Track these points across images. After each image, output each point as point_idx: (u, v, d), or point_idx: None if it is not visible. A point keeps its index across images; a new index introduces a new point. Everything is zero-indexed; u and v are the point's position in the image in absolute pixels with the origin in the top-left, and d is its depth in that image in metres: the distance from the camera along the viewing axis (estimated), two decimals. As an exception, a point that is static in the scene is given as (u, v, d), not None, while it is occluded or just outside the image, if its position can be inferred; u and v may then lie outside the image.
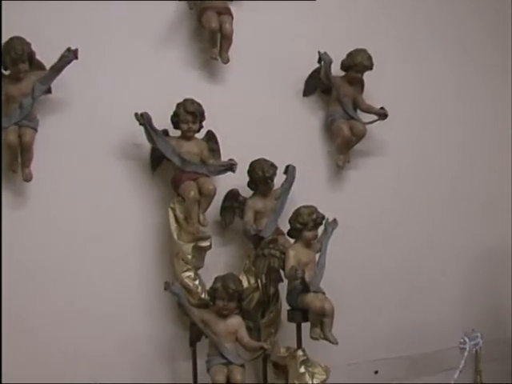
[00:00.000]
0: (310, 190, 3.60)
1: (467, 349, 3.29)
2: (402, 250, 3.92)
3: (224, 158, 3.40)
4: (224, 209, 3.48)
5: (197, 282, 3.32)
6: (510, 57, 4.29)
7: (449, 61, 4.14)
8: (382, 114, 3.74)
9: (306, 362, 3.30)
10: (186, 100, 3.27)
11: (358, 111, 3.75)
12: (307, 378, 3.27)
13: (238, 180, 3.44)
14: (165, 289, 3.13)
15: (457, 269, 4.12)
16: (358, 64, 3.64)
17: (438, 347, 4.00)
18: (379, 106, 3.74)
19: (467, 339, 3.31)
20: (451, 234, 4.09)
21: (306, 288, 3.24)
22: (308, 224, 3.30)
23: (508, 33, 4.26)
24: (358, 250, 3.78)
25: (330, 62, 3.60)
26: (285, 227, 3.43)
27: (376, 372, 3.84)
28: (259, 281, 3.42)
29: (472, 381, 3.51)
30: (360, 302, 3.75)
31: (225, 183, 3.42)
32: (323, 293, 3.31)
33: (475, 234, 4.16)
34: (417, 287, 3.97)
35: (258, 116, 3.58)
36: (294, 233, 3.36)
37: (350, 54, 3.66)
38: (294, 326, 3.37)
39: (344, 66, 3.69)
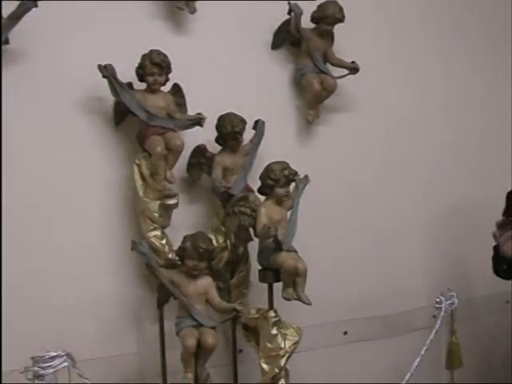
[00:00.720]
0: (279, 145, 3.48)
1: (443, 308, 3.23)
2: (372, 207, 3.85)
3: (190, 112, 3.26)
4: (191, 165, 3.34)
5: (164, 242, 3.20)
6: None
7: (425, 15, 4.05)
8: (353, 69, 3.63)
9: (277, 323, 3.21)
10: (151, 51, 3.12)
11: (328, 65, 3.63)
12: (279, 339, 3.18)
13: (204, 135, 3.31)
14: (132, 248, 3.00)
15: (426, 227, 4.08)
16: (329, 16, 3.51)
17: (408, 307, 3.97)
18: (350, 60, 3.62)
19: (443, 299, 3.25)
20: (421, 191, 4.04)
21: (278, 247, 3.14)
22: (280, 180, 3.19)
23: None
24: (326, 208, 3.69)
25: (300, 14, 3.47)
26: (253, 184, 3.31)
27: (345, 332, 3.78)
28: (228, 240, 3.30)
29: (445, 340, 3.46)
30: (329, 262, 3.66)
31: (191, 138, 3.27)
32: (296, 252, 3.20)
33: (445, 190, 4.11)
34: (386, 246, 3.92)
35: (225, 69, 3.45)
36: (265, 189, 3.24)
37: (320, 6, 3.53)
38: (263, 286, 3.27)
39: (314, 18, 3.55)
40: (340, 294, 3.73)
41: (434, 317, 3.75)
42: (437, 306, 3.37)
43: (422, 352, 3.07)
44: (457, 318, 3.49)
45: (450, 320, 3.45)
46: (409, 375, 3.33)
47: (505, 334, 4.08)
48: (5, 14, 2.88)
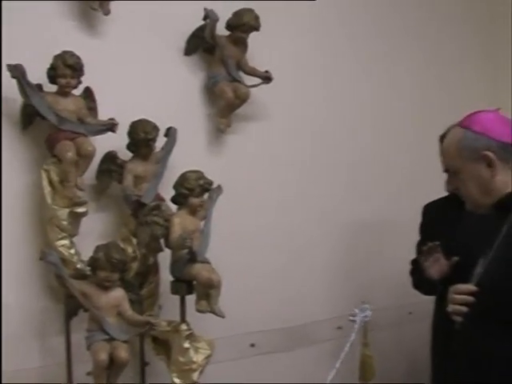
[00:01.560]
0: (190, 154, 3.41)
1: (358, 321, 3.23)
2: (282, 219, 3.82)
3: (100, 117, 3.17)
4: (101, 172, 3.23)
5: (72, 251, 3.08)
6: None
7: (339, 26, 4.07)
8: (267, 78, 3.61)
9: (190, 336, 3.14)
10: (64, 52, 3.01)
11: (242, 73, 3.59)
12: (191, 353, 3.13)
13: (114, 141, 3.20)
14: (40, 258, 2.89)
15: (333, 241, 4.08)
16: (244, 24, 3.48)
17: (314, 318, 3.95)
18: (264, 70, 3.60)
19: (357, 311, 3.25)
20: (331, 204, 4.03)
21: (193, 258, 3.07)
22: (195, 190, 3.13)
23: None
24: (237, 219, 3.63)
25: (216, 20, 3.42)
26: (164, 193, 3.25)
27: (252, 345, 3.73)
28: (138, 250, 3.20)
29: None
30: (237, 273, 3.57)
31: (101, 145, 3.16)
32: (209, 263, 3.14)
33: (351, 203, 4.12)
34: (294, 258, 3.89)
35: (138, 74, 3.36)
36: (179, 199, 3.17)
37: (236, 13, 3.48)
38: (174, 298, 3.19)
39: (229, 26, 3.51)
40: (248, 305, 3.68)
41: (339, 328, 3.77)
42: (351, 318, 3.35)
43: (337, 365, 3.05)
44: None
45: (362, 332, 3.44)
46: (324, 389, 3.30)
47: (407, 344, 4.13)
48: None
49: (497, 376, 2.27)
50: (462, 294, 2.36)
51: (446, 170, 2.50)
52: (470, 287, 2.36)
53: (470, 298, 2.32)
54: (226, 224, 3.46)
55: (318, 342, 3.90)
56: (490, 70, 4.76)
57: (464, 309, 2.33)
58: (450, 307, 2.40)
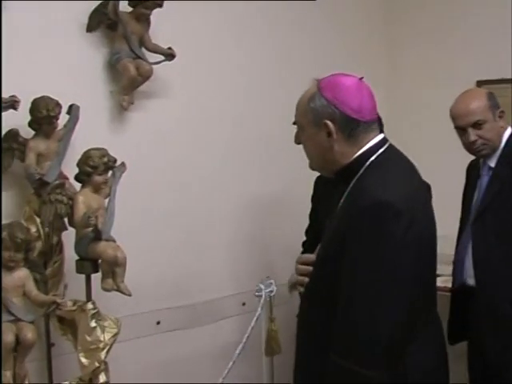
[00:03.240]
0: (93, 132, 3.37)
1: (263, 296, 3.27)
2: (184, 196, 3.82)
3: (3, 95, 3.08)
4: (2, 150, 3.15)
5: (-28, 231, 2.99)
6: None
7: (240, 8, 4.06)
8: (170, 55, 3.59)
9: (96, 315, 3.12)
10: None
11: (144, 50, 3.56)
12: (99, 332, 3.11)
13: (15, 119, 3.13)
14: None
15: (233, 215, 4.10)
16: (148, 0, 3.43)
17: (218, 295, 3.96)
18: (167, 46, 3.58)
19: (262, 286, 3.29)
20: (230, 179, 4.05)
21: (97, 236, 3.05)
22: (99, 167, 3.11)
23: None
24: (141, 196, 3.62)
25: (119, -4, 3.37)
26: (67, 171, 3.21)
27: (158, 322, 3.73)
28: (41, 229, 3.15)
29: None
30: (141, 251, 3.56)
31: (3, 123, 3.11)
32: (114, 241, 3.12)
33: (252, 178, 4.15)
34: (196, 235, 3.90)
35: (38, 50, 3.28)
36: (83, 177, 3.14)
37: (140, -11, 3.44)
38: (79, 277, 3.16)
39: (132, 2, 3.47)
40: (152, 283, 3.67)
41: (244, 304, 3.81)
42: (257, 293, 3.40)
43: (244, 339, 3.09)
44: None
45: (267, 307, 3.48)
46: (231, 363, 3.34)
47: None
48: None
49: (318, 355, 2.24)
50: (304, 263, 2.38)
51: (294, 123, 2.42)
52: (310, 256, 2.37)
53: (310, 268, 2.32)
54: (129, 201, 3.44)
55: (223, 318, 3.93)
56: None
57: (305, 279, 2.33)
58: (294, 277, 2.42)
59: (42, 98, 3.12)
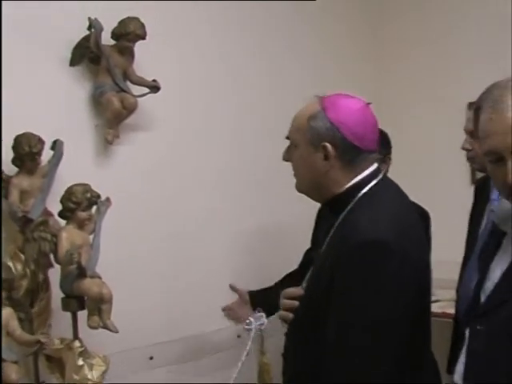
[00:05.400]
0: (78, 167, 3.34)
1: (253, 329, 3.20)
2: (175, 228, 3.76)
3: (-16, 132, 3.06)
4: (-17, 189, 3.12)
5: (-44, 272, 2.96)
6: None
7: (225, 38, 4.06)
8: (154, 87, 3.56)
9: (83, 353, 3.06)
10: None
11: (129, 83, 3.54)
12: (86, 370, 3.04)
13: (-1, 156, 3.10)
14: None
15: (224, 247, 4.04)
16: (130, 33, 3.42)
17: (211, 328, 3.91)
18: (151, 79, 3.56)
19: (252, 320, 3.22)
20: (226, 210, 4.01)
21: (82, 273, 3.00)
22: (82, 203, 3.08)
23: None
24: (127, 230, 3.57)
25: (101, 30, 3.36)
26: (52, 207, 3.17)
27: (151, 358, 3.67)
28: (27, 267, 3.11)
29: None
30: (130, 286, 3.53)
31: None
32: (100, 277, 3.08)
33: (244, 211, 4.10)
34: (188, 267, 3.84)
35: (20, 85, 3.24)
36: (67, 213, 3.10)
37: (121, 22, 3.43)
38: (66, 314, 3.11)
39: (115, 35, 3.45)
40: (144, 318, 3.62)
41: (239, 337, 3.75)
42: (246, 327, 3.33)
43: (235, 375, 3.01)
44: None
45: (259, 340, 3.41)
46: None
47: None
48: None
49: None
50: (289, 297, 2.29)
51: (287, 138, 2.31)
52: (297, 290, 2.28)
53: (296, 303, 2.24)
54: (116, 236, 3.39)
55: (217, 352, 3.87)
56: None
57: (290, 315, 2.26)
58: (279, 313, 2.33)
59: (24, 134, 3.10)
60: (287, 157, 2.28)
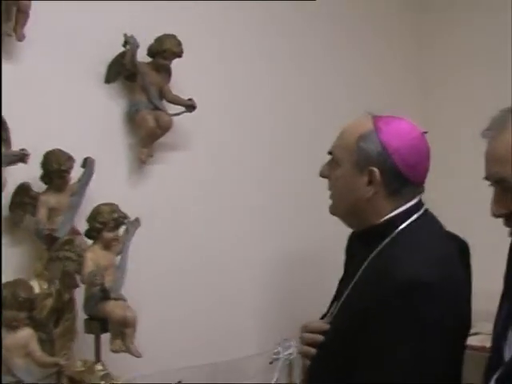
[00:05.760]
0: (110, 186, 3.28)
1: (281, 359, 3.11)
2: (207, 251, 3.68)
3: (15, 147, 3.00)
4: (14, 205, 3.09)
5: (-19, 289, 2.91)
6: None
7: (264, 53, 3.95)
8: (190, 106, 3.50)
9: (105, 376, 3.00)
10: (-32, 81, 2.88)
11: (165, 102, 3.48)
12: (108, 394, 2.97)
13: (29, 173, 3.06)
14: None
15: (259, 273, 3.93)
16: (166, 50, 3.36)
17: (241, 354, 3.80)
18: (187, 97, 3.50)
19: (280, 349, 3.13)
20: (258, 234, 3.91)
21: (105, 295, 2.94)
22: (108, 223, 3.02)
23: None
24: (158, 252, 3.49)
25: (137, 47, 3.30)
26: (82, 227, 3.12)
27: (179, 382, 3.58)
28: (53, 286, 3.06)
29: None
30: (158, 309, 3.46)
31: (15, 176, 3.03)
32: (125, 300, 3.01)
33: (280, 232, 3.99)
34: (219, 292, 3.75)
35: (54, 102, 3.21)
36: (93, 233, 3.05)
37: (158, 39, 3.38)
38: (91, 336, 3.06)
39: (151, 52, 3.40)
40: (173, 340, 3.54)
41: (271, 363, 3.65)
42: (274, 356, 3.25)
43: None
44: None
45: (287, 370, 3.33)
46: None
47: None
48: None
49: None
50: (312, 331, 2.14)
51: (330, 152, 2.16)
52: (321, 325, 2.14)
53: (320, 337, 2.09)
54: (147, 258, 3.34)
55: (248, 378, 3.76)
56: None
57: (312, 350, 2.11)
58: (300, 348, 2.17)
59: (53, 151, 3.06)
60: (326, 173, 2.15)
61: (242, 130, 3.84)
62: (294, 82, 4.12)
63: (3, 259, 3.01)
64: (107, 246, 3.05)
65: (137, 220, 3.17)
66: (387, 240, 2.02)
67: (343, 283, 2.22)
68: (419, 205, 2.09)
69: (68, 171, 3.08)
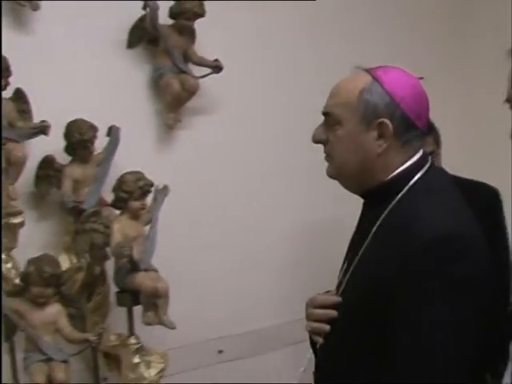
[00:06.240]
0: (137, 153, 3.19)
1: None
2: (237, 217, 3.55)
3: (36, 119, 2.94)
4: (39, 178, 3.02)
5: (9, 266, 2.87)
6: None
7: (292, 10, 3.72)
8: (216, 67, 3.36)
9: (140, 349, 2.94)
10: (-15, 53, 2.79)
11: (190, 64, 3.35)
12: (143, 368, 2.93)
13: (53, 145, 3.00)
14: (-35, 277, 2.66)
15: (293, 236, 3.78)
16: (188, 11, 3.23)
17: (282, 320, 3.69)
18: (213, 58, 3.36)
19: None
20: (286, 199, 3.74)
21: (134, 267, 2.86)
22: (134, 192, 2.93)
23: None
24: (188, 220, 3.38)
25: (156, 9, 3.17)
26: (110, 197, 3.04)
27: (220, 351, 3.50)
28: (82, 260, 2.98)
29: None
30: (196, 278, 3.39)
31: (38, 149, 2.97)
32: (155, 271, 2.92)
33: (309, 200, 3.81)
34: (253, 256, 3.62)
35: (75, 71, 3.11)
36: (119, 203, 2.97)
37: (178, 0, 3.24)
38: (124, 309, 2.98)
39: (172, 14, 3.27)
40: (210, 310, 3.45)
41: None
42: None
43: (302, 368, 2.82)
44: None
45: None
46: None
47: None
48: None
49: None
50: (321, 306, 1.96)
51: (325, 114, 1.96)
52: (331, 297, 1.96)
53: (333, 312, 1.92)
54: (176, 226, 3.25)
55: (289, 344, 3.65)
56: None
57: (326, 327, 1.94)
58: (308, 325, 1.99)
59: (75, 121, 2.98)
60: (322, 137, 1.98)
61: (270, 91, 3.67)
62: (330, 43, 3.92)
63: (30, 235, 2.93)
64: (135, 216, 2.96)
65: (165, 188, 3.07)
66: (400, 196, 1.87)
67: (351, 252, 2.05)
68: (426, 157, 1.94)
69: (91, 141, 3.00)
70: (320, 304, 1.96)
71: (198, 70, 3.35)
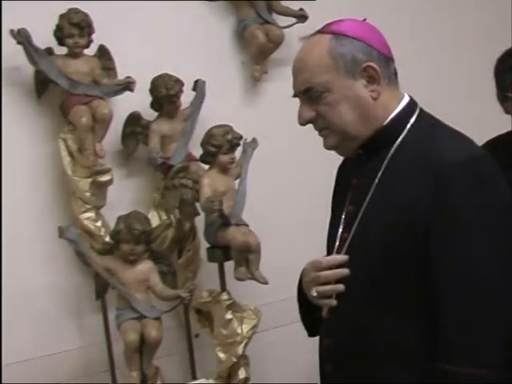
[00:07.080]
0: (224, 107, 3.14)
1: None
2: (325, 168, 3.45)
3: (121, 76, 2.92)
4: (125, 135, 3.00)
5: (99, 224, 2.88)
6: None
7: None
8: (301, 16, 3.27)
9: (232, 305, 2.90)
10: (69, 10, 2.78)
11: (274, 14, 3.27)
12: (235, 324, 2.89)
13: (139, 101, 2.97)
14: (59, 236, 2.66)
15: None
16: (270, -42, 3.14)
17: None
18: (298, 8, 3.26)
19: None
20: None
21: (225, 221, 2.81)
22: (223, 146, 2.87)
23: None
24: (278, 173, 3.32)
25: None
26: (198, 152, 2.99)
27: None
28: (172, 216, 2.95)
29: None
30: (288, 231, 3.32)
31: (124, 106, 2.94)
32: (246, 225, 2.87)
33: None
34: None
35: (158, 25, 3.08)
36: (208, 158, 2.92)
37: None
38: (215, 265, 2.94)
39: (256, -38, 3.18)
40: (303, 264, 3.37)
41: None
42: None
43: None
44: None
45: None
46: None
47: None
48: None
49: None
50: (325, 268, 1.82)
51: (305, 91, 1.80)
52: (339, 257, 1.81)
53: (345, 271, 1.78)
54: (266, 180, 3.18)
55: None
56: None
57: (341, 286, 1.78)
58: (314, 290, 1.84)
59: (161, 76, 2.94)
60: (310, 115, 1.84)
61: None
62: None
63: (118, 193, 2.93)
64: (224, 170, 2.91)
65: (254, 140, 3.01)
66: (402, 136, 1.75)
67: (348, 207, 1.92)
68: (413, 99, 1.84)
69: (177, 95, 2.96)
70: (326, 266, 1.83)
71: (282, 20, 3.26)
